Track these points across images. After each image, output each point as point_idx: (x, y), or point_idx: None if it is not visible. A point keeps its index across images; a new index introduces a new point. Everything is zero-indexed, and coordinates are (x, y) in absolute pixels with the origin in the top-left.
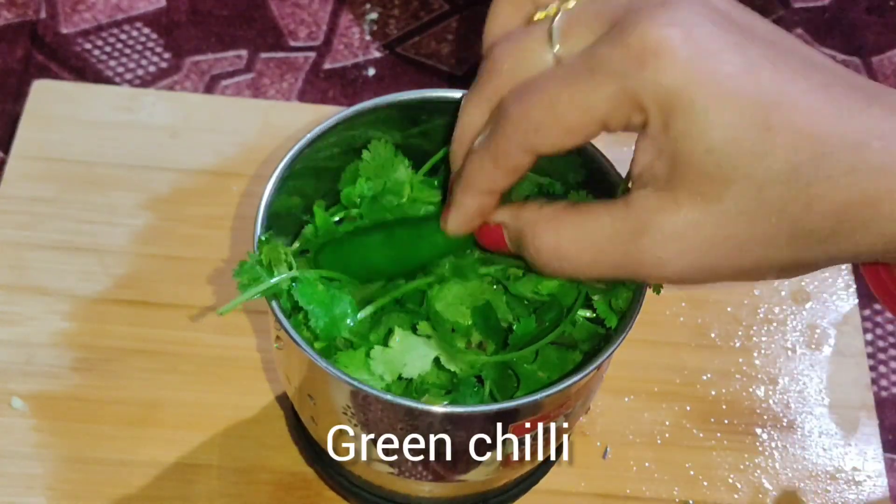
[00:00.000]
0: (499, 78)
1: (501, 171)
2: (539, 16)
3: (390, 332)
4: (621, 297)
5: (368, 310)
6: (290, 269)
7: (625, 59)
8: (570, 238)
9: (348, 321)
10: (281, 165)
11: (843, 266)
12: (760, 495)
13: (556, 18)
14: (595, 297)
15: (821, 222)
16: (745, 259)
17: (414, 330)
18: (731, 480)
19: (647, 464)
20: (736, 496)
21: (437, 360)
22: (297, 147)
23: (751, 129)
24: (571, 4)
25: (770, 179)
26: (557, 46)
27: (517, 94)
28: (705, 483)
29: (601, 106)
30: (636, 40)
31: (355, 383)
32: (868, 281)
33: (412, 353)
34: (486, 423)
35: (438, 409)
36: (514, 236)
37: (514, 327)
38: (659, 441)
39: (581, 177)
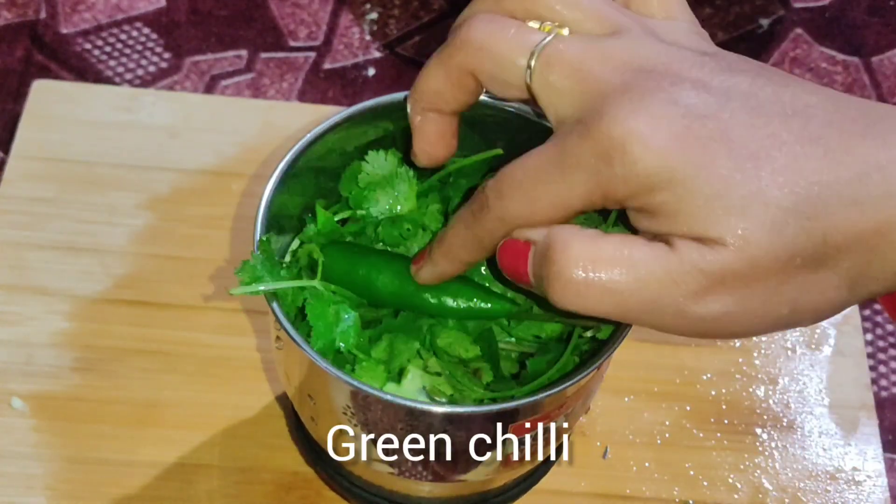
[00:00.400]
0: (466, 52)
1: (482, 250)
2: (533, 24)
3: (402, 371)
4: None
5: (368, 333)
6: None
7: (593, 155)
8: (607, 258)
9: (349, 333)
10: (281, 165)
11: None
12: (760, 495)
13: (546, 42)
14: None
15: (838, 255)
16: (781, 302)
17: (421, 351)
18: (730, 480)
19: (646, 464)
20: (736, 496)
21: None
22: (297, 147)
23: (741, 176)
24: (565, 32)
25: (779, 216)
26: (531, 69)
27: (496, 188)
28: (705, 483)
29: (575, 201)
30: (603, 136)
31: (355, 383)
32: (889, 312)
33: (425, 393)
34: (486, 423)
35: (438, 408)
36: (540, 254)
37: (528, 363)
38: (659, 441)
39: None
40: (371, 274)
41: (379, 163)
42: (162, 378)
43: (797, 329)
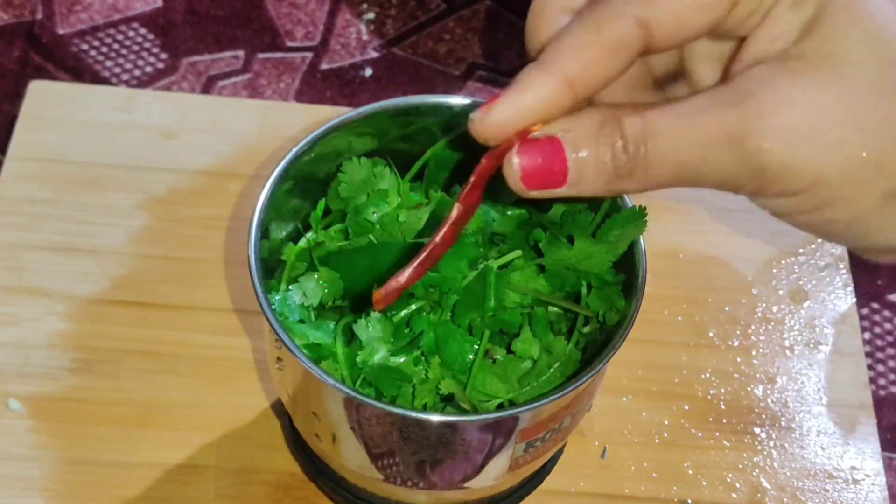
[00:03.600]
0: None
1: (601, 46)
2: None
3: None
4: (618, 301)
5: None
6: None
7: None
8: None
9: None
10: (279, 167)
11: (842, 265)
12: (759, 494)
13: None
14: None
15: None
16: (868, 141)
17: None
18: (729, 480)
19: (645, 463)
20: (734, 495)
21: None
22: (295, 149)
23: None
24: None
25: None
26: None
27: None
28: (704, 482)
29: None
30: None
31: (367, 400)
32: None
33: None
34: (503, 429)
35: (442, 417)
36: (634, 141)
37: (514, 344)
38: (657, 440)
39: None
40: (350, 273)
41: (354, 170)
42: (159, 379)
43: (795, 328)
